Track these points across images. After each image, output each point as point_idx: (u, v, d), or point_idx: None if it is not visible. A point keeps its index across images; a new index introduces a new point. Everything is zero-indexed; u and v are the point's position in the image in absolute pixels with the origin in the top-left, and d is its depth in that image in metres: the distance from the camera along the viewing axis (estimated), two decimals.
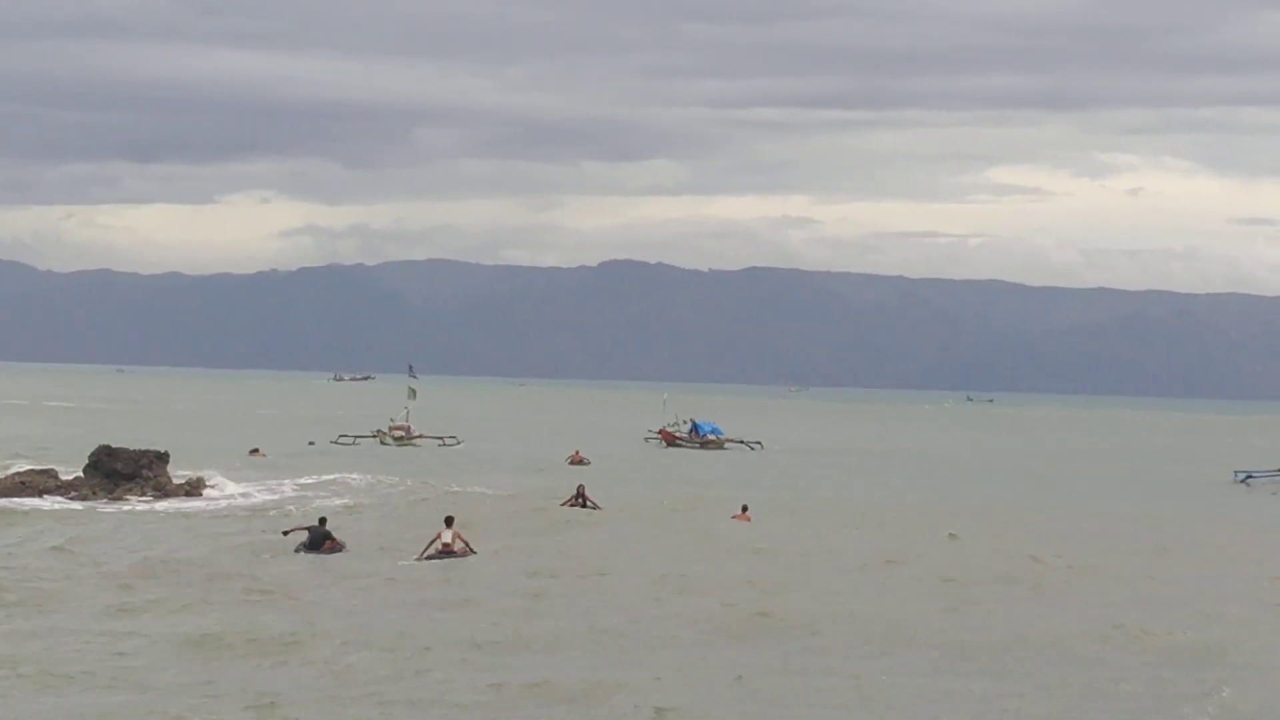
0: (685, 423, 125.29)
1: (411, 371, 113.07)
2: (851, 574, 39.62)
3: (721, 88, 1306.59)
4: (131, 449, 59.90)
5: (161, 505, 54.43)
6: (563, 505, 54.86)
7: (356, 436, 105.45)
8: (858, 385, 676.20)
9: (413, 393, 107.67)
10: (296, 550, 41.82)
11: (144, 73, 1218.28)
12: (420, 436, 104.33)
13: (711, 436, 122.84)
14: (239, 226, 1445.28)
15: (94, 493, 55.96)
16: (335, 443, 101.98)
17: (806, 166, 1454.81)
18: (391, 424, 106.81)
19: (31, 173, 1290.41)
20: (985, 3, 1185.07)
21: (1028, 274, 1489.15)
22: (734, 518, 51.48)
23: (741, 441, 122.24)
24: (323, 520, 43.98)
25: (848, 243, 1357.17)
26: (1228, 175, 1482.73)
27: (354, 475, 67.75)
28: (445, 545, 41.11)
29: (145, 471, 58.11)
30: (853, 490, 74.11)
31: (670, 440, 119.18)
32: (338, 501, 56.11)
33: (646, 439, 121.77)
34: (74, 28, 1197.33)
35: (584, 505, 54.25)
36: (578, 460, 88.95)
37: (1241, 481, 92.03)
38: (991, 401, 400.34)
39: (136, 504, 54.66)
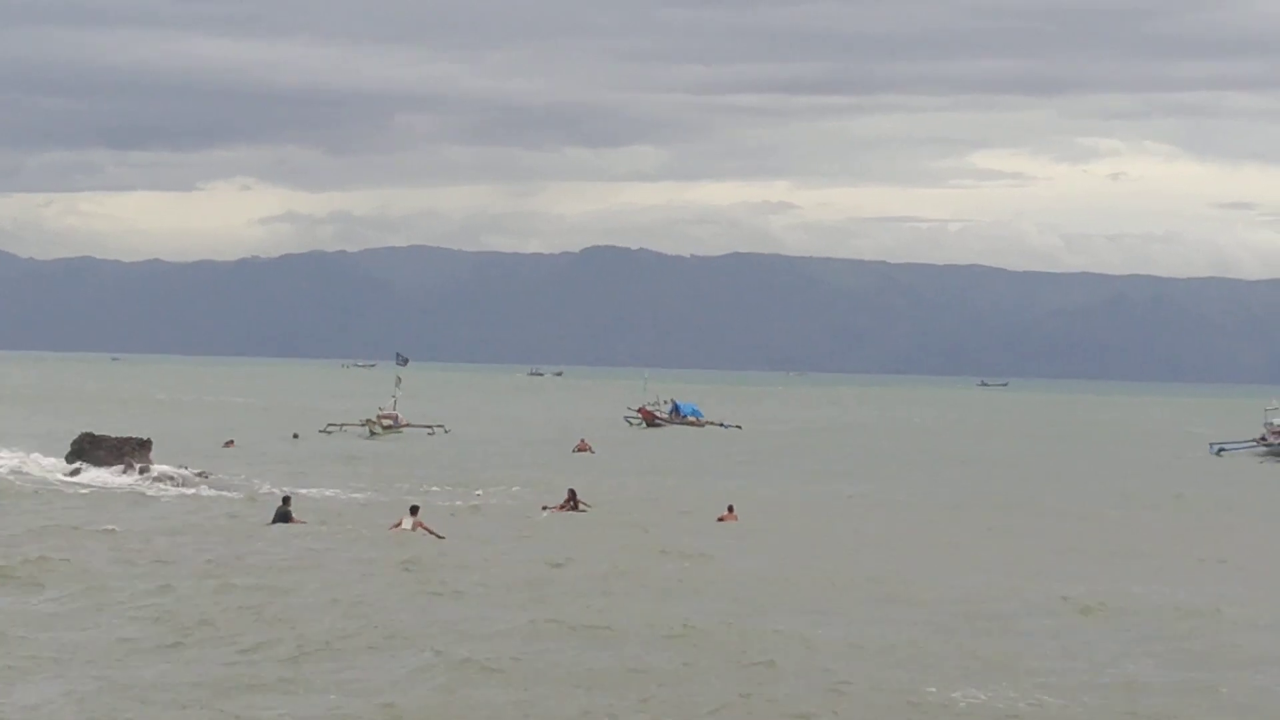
0: (666, 403, 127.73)
1: (400, 359, 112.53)
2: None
3: (702, 73, 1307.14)
4: (114, 436, 60.34)
5: None
6: (553, 510, 51.49)
7: (344, 425, 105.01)
8: (839, 370, 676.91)
9: (399, 380, 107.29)
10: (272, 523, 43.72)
11: (124, 60, 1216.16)
12: (407, 425, 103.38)
13: (692, 419, 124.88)
14: (221, 213, 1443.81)
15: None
16: (323, 432, 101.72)
17: (788, 152, 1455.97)
18: (380, 412, 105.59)
19: (11, 160, 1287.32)
20: None
21: (1009, 259, 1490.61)
22: (720, 519, 50.27)
23: (722, 424, 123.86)
24: (286, 499, 45.89)
25: (829, 228, 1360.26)
26: (1210, 160, 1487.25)
27: (184, 491, 54.81)
28: (404, 532, 41.68)
29: (128, 458, 58.41)
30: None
31: (650, 419, 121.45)
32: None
33: (627, 418, 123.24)
34: (53, 14, 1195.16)
35: (575, 509, 51.45)
36: (583, 448, 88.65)
37: (1216, 454, 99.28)
38: (1006, 386, 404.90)
39: None
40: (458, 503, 53.78)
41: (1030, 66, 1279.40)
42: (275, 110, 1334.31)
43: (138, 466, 57.68)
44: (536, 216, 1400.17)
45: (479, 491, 57.61)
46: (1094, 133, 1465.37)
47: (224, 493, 54.05)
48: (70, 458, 58.68)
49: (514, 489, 59.71)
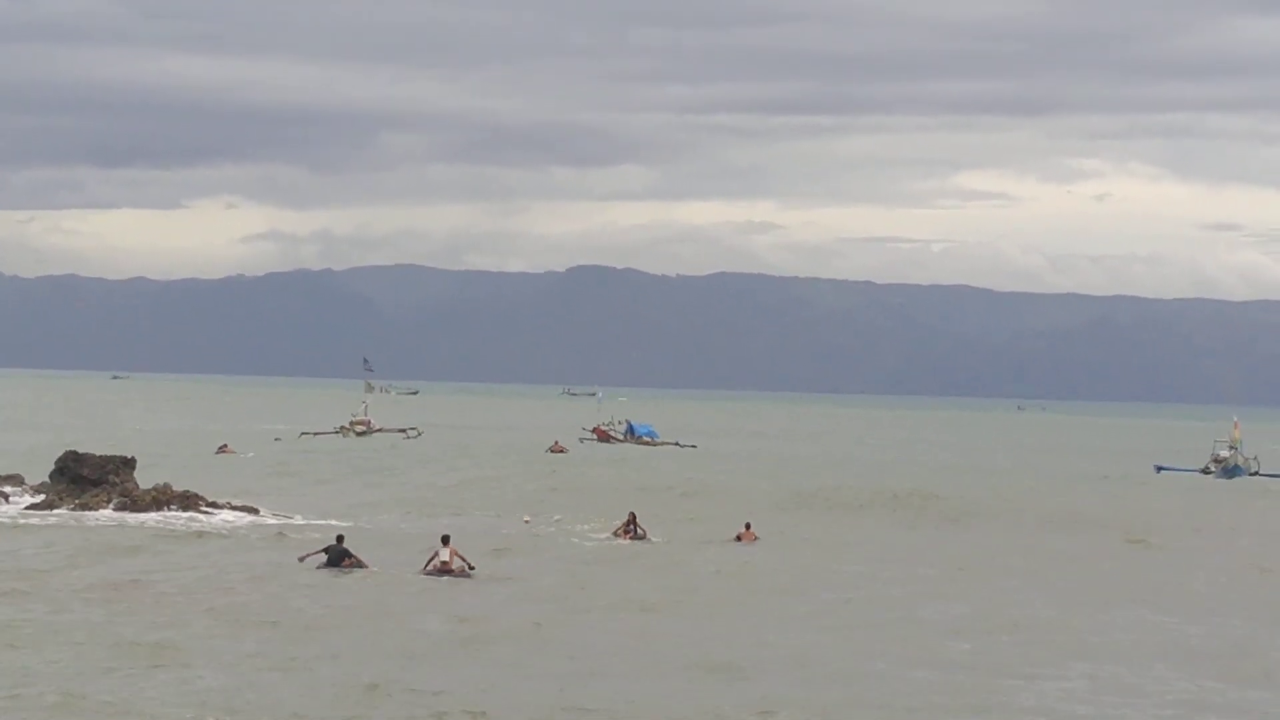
0: (620, 423, 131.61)
1: (367, 365, 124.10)
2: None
3: (687, 93, 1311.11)
4: (98, 454, 60.07)
5: None
6: (614, 535, 51.25)
7: (317, 433, 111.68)
8: (825, 391, 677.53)
9: (369, 387, 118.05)
10: (317, 566, 42.24)
11: (108, 77, 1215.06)
12: (380, 430, 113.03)
13: (646, 439, 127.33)
14: (205, 231, 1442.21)
15: (59, 498, 56.46)
16: (303, 435, 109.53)
17: (772, 172, 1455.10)
18: (353, 418, 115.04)
19: None
20: (949, 7, 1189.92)
21: (993, 279, 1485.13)
22: (738, 538, 50.40)
23: (677, 444, 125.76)
24: (340, 538, 44.27)
25: (813, 248, 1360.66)
26: (1194, 181, 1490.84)
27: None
28: (444, 563, 41.67)
29: (112, 477, 58.05)
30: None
31: (604, 438, 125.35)
32: None
33: (581, 438, 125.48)
34: (32, 32, 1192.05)
35: (635, 535, 50.49)
36: (558, 449, 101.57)
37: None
38: (1044, 410, 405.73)
39: None
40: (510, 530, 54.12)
41: (1014, 87, 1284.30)
42: (259, 129, 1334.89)
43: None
44: (520, 236, 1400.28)
45: (527, 518, 57.37)
46: (1078, 154, 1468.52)
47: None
48: (54, 476, 58.53)
49: (555, 516, 59.43)
